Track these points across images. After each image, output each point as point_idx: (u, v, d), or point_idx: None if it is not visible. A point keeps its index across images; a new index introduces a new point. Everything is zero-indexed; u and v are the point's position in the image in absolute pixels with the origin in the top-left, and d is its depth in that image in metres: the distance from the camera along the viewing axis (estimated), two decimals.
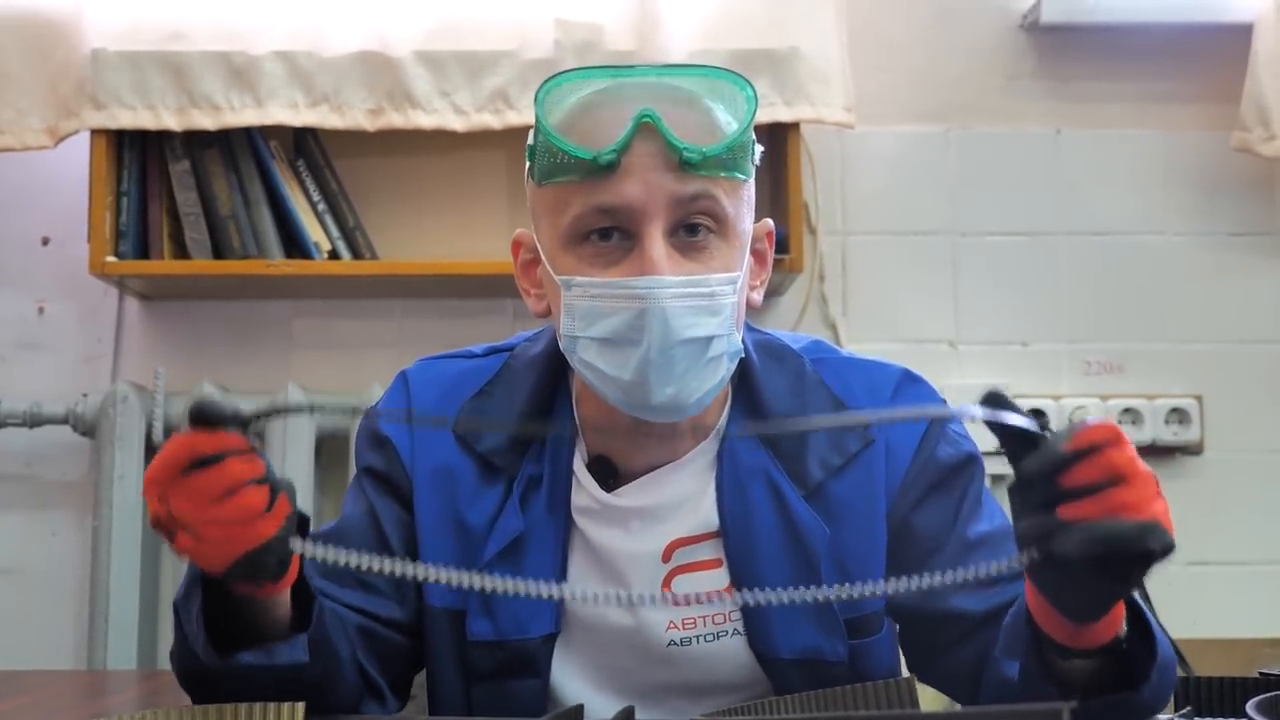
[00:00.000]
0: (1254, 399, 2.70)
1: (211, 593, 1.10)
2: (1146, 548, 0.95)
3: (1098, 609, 1.02)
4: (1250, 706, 1.04)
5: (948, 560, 1.27)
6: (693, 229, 1.19)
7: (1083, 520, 0.95)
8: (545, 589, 0.99)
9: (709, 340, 1.19)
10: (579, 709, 1.09)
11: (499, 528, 1.28)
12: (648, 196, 1.17)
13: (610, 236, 1.19)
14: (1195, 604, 2.61)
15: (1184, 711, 1.11)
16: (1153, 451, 2.65)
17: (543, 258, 1.25)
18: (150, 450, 2.51)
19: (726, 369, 1.23)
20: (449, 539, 1.30)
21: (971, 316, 2.69)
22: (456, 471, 1.31)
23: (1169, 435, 2.65)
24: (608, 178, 1.17)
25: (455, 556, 1.28)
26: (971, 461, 1.33)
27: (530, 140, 1.24)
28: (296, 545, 1.03)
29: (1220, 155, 2.69)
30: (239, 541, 1.01)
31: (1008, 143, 2.72)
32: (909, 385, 1.34)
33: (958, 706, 1.33)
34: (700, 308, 1.18)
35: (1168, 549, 0.97)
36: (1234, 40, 2.65)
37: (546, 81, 1.21)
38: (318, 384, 2.58)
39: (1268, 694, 1.07)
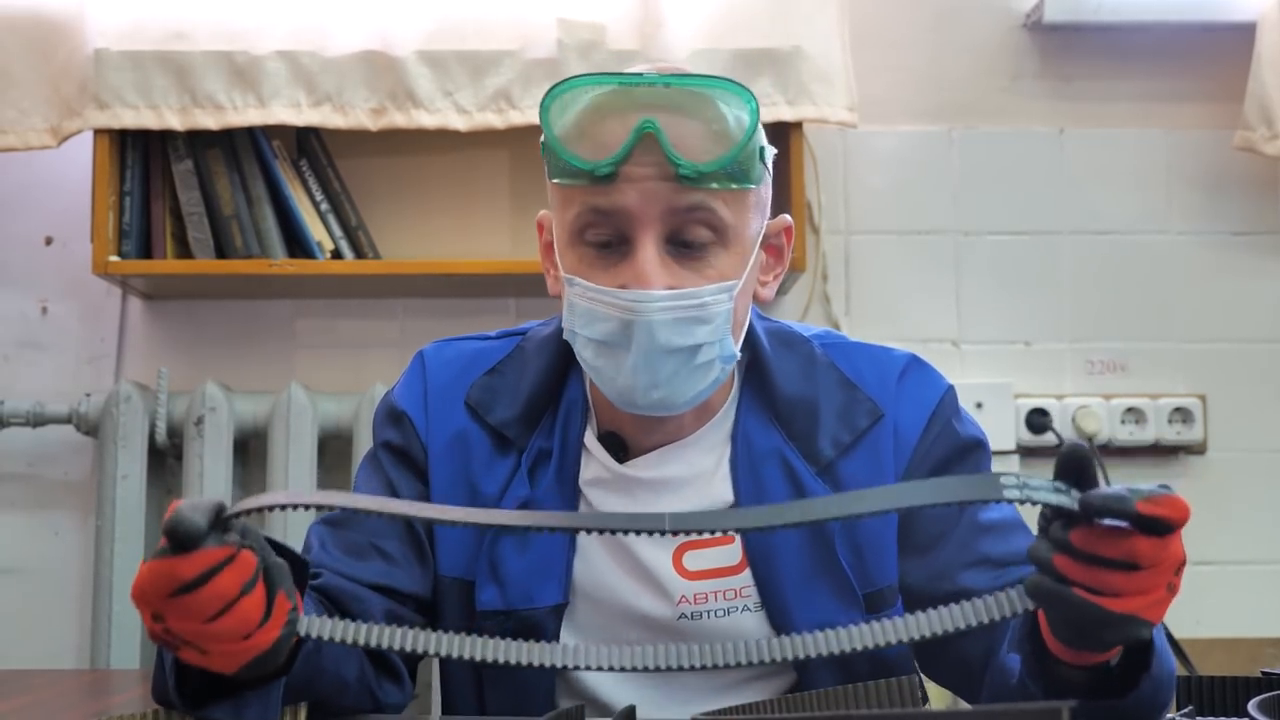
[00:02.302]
0: (1257, 398, 2.69)
1: None
2: (1101, 637, 0.95)
3: (1087, 648, 1.01)
4: (1252, 706, 1.04)
5: (957, 543, 1.29)
6: (687, 240, 1.22)
7: (1071, 579, 0.94)
8: (541, 654, 0.95)
9: (697, 348, 1.22)
10: (580, 709, 1.09)
11: (508, 497, 1.31)
12: (643, 206, 1.20)
13: (607, 242, 1.22)
14: (1198, 604, 2.61)
15: (1186, 711, 1.11)
16: (1156, 451, 2.65)
17: (555, 247, 1.29)
18: (154, 450, 2.52)
19: (719, 370, 1.26)
20: (461, 506, 1.31)
21: (974, 316, 2.69)
22: (470, 441, 1.34)
23: (1172, 435, 2.65)
24: (606, 185, 1.20)
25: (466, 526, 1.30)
26: (979, 445, 1.35)
27: (543, 137, 1.26)
28: (302, 628, 1.00)
29: (1223, 154, 2.69)
30: (244, 653, 0.98)
31: (1011, 142, 2.72)
32: (915, 370, 1.39)
33: (962, 704, 1.33)
34: (689, 319, 1.21)
35: (1136, 641, 0.96)
36: (1237, 39, 2.65)
37: (552, 88, 1.22)
38: (320, 384, 2.59)
39: (1269, 693, 1.07)
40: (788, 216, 1.33)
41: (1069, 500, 0.94)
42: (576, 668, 0.96)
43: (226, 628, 0.96)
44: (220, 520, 0.96)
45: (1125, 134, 2.73)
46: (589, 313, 1.23)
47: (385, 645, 0.97)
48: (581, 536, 1.31)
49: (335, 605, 1.25)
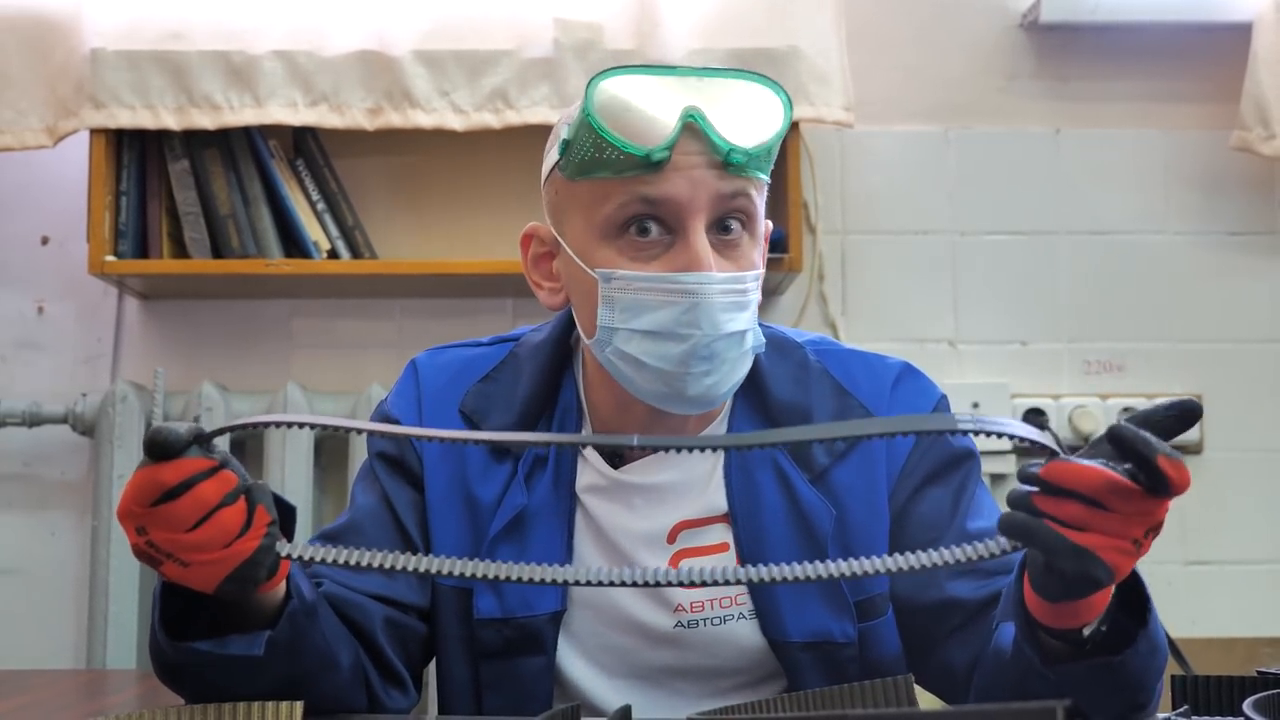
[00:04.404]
0: (1254, 398, 2.69)
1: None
2: (1058, 565, 0.97)
3: (1055, 593, 1.03)
4: (1247, 705, 1.04)
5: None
6: (727, 226, 1.23)
7: (1042, 512, 0.97)
8: (547, 573, 1.00)
9: (744, 334, 1.23)
10: (576, 709, 1.09)
11: (505, 504, 1.31)
12: (693, 193, 1.20)
13: (649, 231, 1.22)
14: (1195, 603, 2.61)
15: (1181, 710, 1.11)
16: None
17: (569, 251, 1.26)
18: None
19: (750, 360, 1.27)
20: (458, 515, 1.33)
21: (971, 316, 2.69)
22: (466, 449, 1.34)
23: None
24: (654, 173, 1.19)
25: (463, 532, 1.31)
26: (970, 456, 1.36)
27: (565, 135, 1.24)
28: (283, 549, 1.04)
29: (1220, 154, 2.69)
30: (224, 563, 1.02)
31: (1007, 142, 2.72)
32: (909, 378, 1.38)
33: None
34: (738, 303, 1.22)
35: (1088, 579, 0.97)
36: (1233, 39, 2.65)
37: (595, 77, 1.21)
38: (317, 384, 2.59)
39: (1265, 693, 1.07)
40: (769, 221, 1.34)
41: (1022, 429, 0.96)
42: (572, 583, 1.02)
43: (206, 537, 1.01)
44: (200, 439, 1.02)
45: (1122, 134, 2.73)
46: (637, 304, 1.21)
47: (374, 566, 1.01)
48: (579, 543, 1.32)
49: (336, 612, 1.25)
